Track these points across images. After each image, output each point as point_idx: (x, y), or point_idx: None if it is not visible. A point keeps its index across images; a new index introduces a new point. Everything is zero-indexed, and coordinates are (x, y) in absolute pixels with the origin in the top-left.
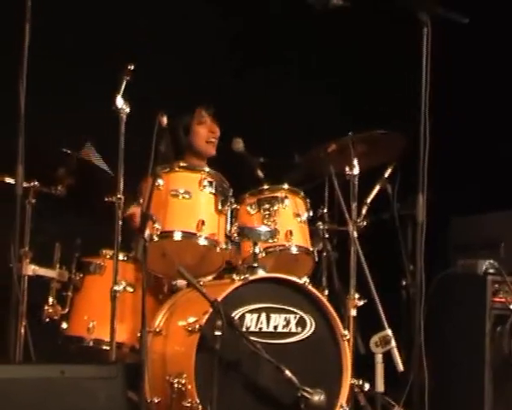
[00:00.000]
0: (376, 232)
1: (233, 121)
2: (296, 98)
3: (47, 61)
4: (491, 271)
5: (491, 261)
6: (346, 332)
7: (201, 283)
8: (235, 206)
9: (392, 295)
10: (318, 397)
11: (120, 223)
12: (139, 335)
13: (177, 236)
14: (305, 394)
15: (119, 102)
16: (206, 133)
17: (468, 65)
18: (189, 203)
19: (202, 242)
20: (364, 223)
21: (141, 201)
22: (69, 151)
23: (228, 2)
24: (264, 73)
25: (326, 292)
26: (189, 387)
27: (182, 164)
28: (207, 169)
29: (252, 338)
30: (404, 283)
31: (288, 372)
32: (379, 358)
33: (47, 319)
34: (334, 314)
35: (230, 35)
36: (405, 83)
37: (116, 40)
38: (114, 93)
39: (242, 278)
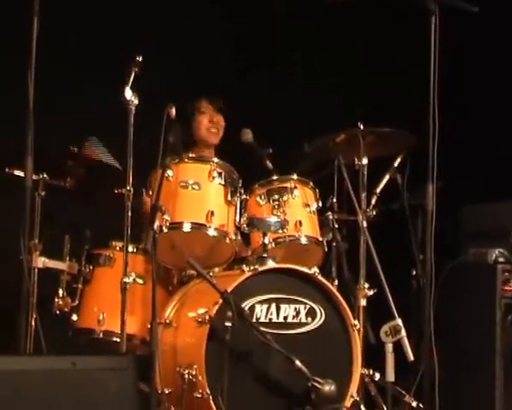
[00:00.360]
0: (386, 222)
1: (237, 121)
2: (300, 99)
3: (53, 61)
4: (502, 260)
5: (502, 250)
6: (356, 322)
7: (211, 274)
8: (244, 197)
9: (403, 284)
10: (329, 387)
11: (130, 214)
12: (149, 326)
13: (187, 227)
14: (316, 384)
15: (128, 93)
16: (206, 122)
17: (475, 51)
18: (199, 194)
19: (212, 233)
20: (374, 213)
21: (151, 192)
22: (76, 150)
23: (232, 3)
24: (269, 74)
25: (336, 282)
26: (200, 378)
27: (191, 155)
28: (216, 160)
29: (262, 329)
30: (414, 272)
31: (298, 363)
32: (389, 347)
33: (57, 312)
34: (344, 304)
35: (235, 36)
36: (410, 82)
37: (121, 41)
38: (121, 87)
39: (252, 268)
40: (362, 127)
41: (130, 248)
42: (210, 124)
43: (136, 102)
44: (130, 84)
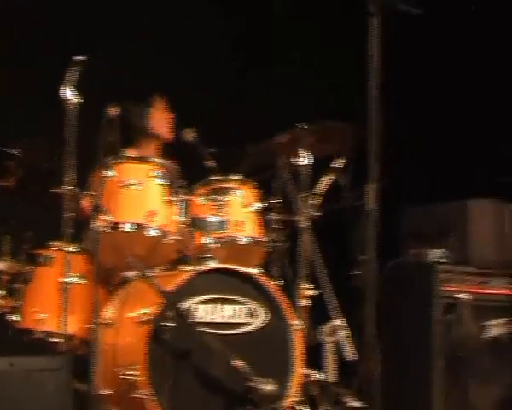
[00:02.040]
0: (328, 222)
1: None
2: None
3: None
4: (441, 260)
5: (441, 250)
6: (297, 322)
7: (153, 274)
8: (186, 196)
9: (344, 284)
10: (270, 387)
11: (69, 214)
12: (89, 326)
13: (127, 227)
14: (257, 384)
15: (67, 92)
16: (165, 119)
17: (415, 49)
18: (140, 194)
19: (153, 233)
20: (315, 213)
21: (91, 192)
22: (16, 152)
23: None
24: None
25: (278, 282)
26: (141, 378)
27: (132, 155)
28: (158, 160)
29: (204, 329)
30: (354, 272)
31: (238, 363)
32: (330, 347)
33: None
34: (286, 304)
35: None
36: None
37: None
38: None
39: (194, 268)
40: (301, 126)
41: (71, 248)
42: (168, 120)
43: (75, 101)
44: (70, 83)
